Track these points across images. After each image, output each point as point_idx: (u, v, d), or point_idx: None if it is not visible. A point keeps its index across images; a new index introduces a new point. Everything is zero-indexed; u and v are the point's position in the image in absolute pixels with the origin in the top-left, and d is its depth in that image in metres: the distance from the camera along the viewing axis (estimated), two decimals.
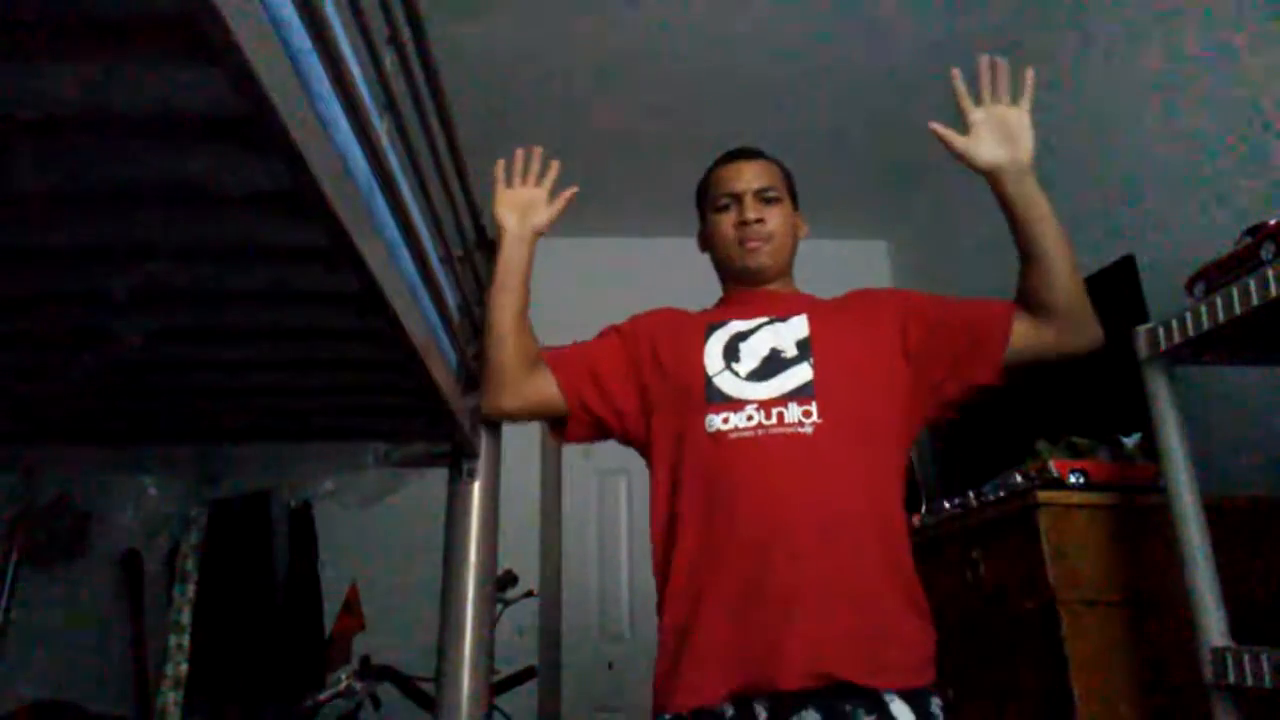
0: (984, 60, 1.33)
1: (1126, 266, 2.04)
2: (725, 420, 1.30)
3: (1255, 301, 1.27)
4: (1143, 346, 1.49)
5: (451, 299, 1.27)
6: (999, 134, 1.30)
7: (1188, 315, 1.39)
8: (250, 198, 0.74)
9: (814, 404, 1.29)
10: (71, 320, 1.02)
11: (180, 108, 0.61)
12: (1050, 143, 2.66)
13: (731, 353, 1.36)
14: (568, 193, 1.45)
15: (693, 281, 1.50)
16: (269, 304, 1.01)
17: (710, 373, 1.35)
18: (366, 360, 1.19)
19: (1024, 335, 1.30)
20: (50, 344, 1.10)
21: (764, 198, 1.43)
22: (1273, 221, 1.32)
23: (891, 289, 1.58)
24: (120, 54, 0.55)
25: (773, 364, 1.34)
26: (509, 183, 1.45)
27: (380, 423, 1.50)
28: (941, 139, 1.31)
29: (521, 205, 1.43)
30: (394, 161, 0.90)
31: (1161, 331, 1.45)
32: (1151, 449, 1.57)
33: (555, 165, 1.47)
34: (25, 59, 0.55)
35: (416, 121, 1.04)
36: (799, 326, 1.37)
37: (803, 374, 1.32)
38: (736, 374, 1.34)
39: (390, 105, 0.90)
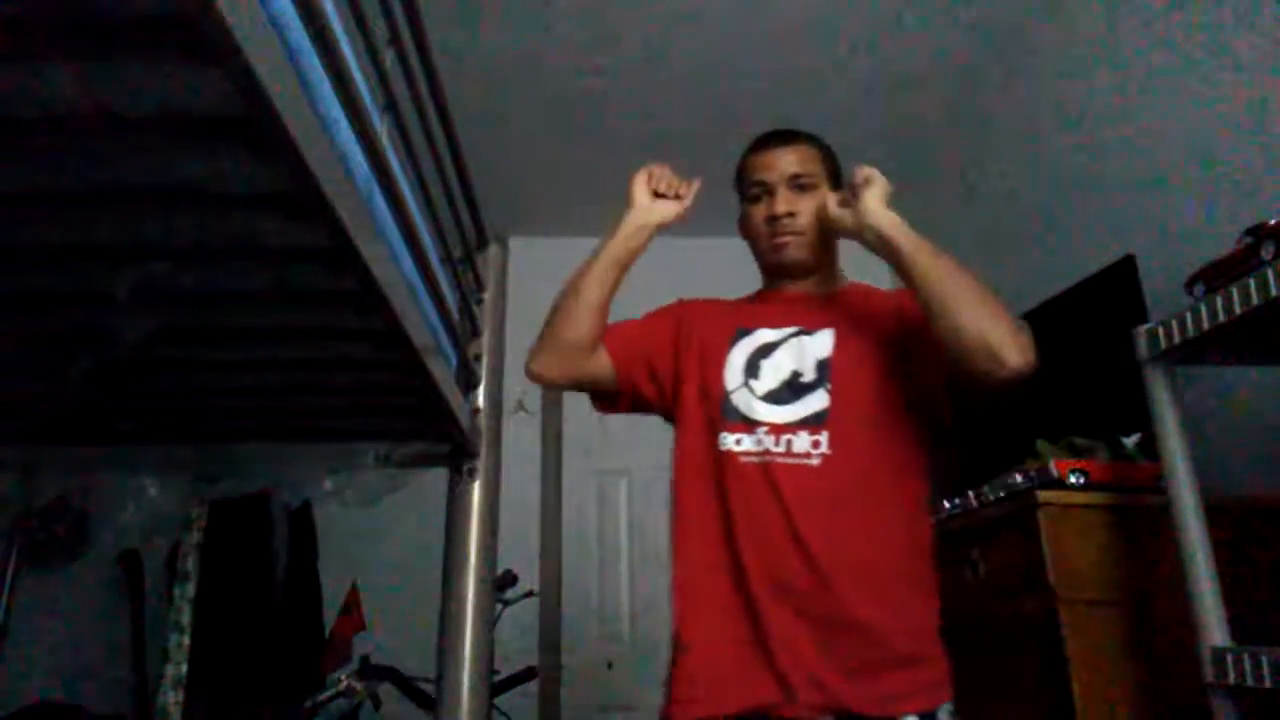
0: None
1: (1126, 266, 2.04)
2: (738, 441, 1.28)
3: (1255, 301, 1.27)
4: (1143, 346, 1.49)
5: (451, 299, 1.27)
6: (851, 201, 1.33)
7: (1188, 315, 1.39)
8: (250, 198, 0.74)
9: (825, 434, 1.24)
10: (71, 320, 1.02)
11: (180, 108, 0.61)
12: (1051, 142, 2.67)
13: (753, 368, 1.33)
14: (696, 183, 1.43)
15: (702, 280, 1.49)
16: (269, 304, 1.01)
17: (729, 388, 1.32)
18: (366, 360, 1.19)
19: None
20: (50, 344, 1.09)
21: (797, 185, 1.38)
22: (1273, 221, 1.31)
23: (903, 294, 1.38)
24: (120, 54, 0.55)
25: (792, 387, 1.30)
26: (649, 183, 1.42)
27: (380, 423, 1.49)
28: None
29: (652, 197, 1.41)
30: (394, 161, 0.90)
31: (1161, 331, 1.45)
32: (1151, 449, 1.57)
33: (697, 183, 1.44)
34: (25, 59, 0.55)
35: (416, 122, 1.04)
36: (823, 344, 1.32)
37: (818, 401, 1.27)
38: (753, 392, 1.31)
39: (390, 105, 0.90)
